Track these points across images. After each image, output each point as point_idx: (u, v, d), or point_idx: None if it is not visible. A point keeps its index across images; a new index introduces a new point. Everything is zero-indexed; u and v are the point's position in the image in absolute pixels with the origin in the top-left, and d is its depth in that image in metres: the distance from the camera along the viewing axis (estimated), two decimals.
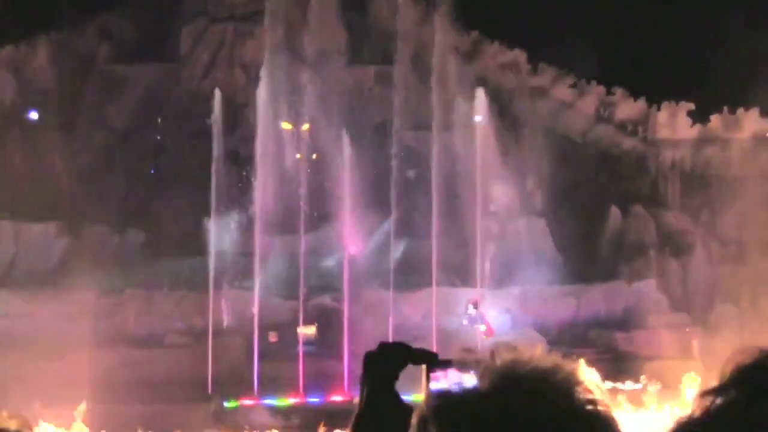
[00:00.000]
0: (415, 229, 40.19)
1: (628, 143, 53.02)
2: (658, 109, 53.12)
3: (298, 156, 41.43)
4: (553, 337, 38.78)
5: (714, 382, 1.99)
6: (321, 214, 42.07)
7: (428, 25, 46.66)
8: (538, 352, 2.03)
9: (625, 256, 46.85)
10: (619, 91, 54.42)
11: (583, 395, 1.97)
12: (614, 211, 48.71)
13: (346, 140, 41.62)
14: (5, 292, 39.56)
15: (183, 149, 48.14)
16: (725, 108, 52.46)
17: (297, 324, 36.90)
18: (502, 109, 49.34)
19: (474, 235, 40.00)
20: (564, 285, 43.04)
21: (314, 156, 41.62)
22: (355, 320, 35.96)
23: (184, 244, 44.29)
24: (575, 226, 47.48)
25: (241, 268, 40.36)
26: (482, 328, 36.99)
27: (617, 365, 34.04)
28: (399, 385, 3.00)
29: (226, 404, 32.20)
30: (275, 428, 30.33)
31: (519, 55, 54.93)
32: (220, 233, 40.60)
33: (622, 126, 53.59)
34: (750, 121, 52.25)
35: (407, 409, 2.72)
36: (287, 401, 32.84)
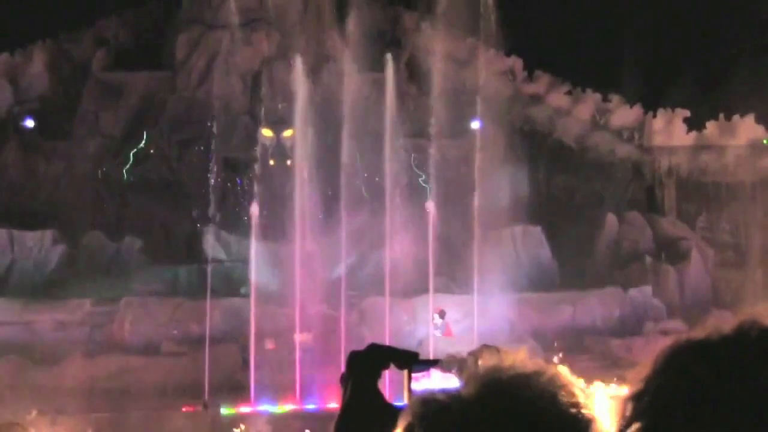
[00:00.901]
0: (411, 236, 40.19)
1: (623, 150, 53.11)
2: (654, 116, 53.22)
3: (271, 162, 41.31)
4: (548, 343, 38.77)
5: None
6: (318, 221, 42.09)
7: (424, 32, 46.76)
8: (520, 357, 2.04)
9: (621, 263, 46.91)
10: (615, 98, 54.52)
11: (567, 398, 1.99)
12: (610, 218, 48.76)
13: (344, 147, 41.71)
14: (1, 299, 39.53)
15: (178, 156, 48.19)
16: (721, 115, 52.57)
17: (293, 331, 36.90)
18: (497, 116, 49.41)
19: (470, 242, 40.02)
20: (560, 291, 43.07)
21: (288, 162, 41.45)
22: (351, 327, 35.98)
23: (180, 251, 44.35)
24: (571, 233, 47.55)
25: (237, 275, 40.39)
26: (448, 338, 36.73)
27: (613, 372, 34.00)
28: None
29: (222, 411, 32.18)
30: None
31: (515, 62, 55.05)
32: (216, 240, 40.64)
33: (618, 133, 53.68)
34: (746, 128, 52.35)
35: (390, 408, 2.73)
36: (284, 408, 32.84)
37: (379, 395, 2.94)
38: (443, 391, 2.01)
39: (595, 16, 57.41)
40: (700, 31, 57.80)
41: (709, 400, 1.86)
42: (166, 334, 38.07)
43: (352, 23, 44.75)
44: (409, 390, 2.87)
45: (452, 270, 39.86)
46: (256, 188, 39.17)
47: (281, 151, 44.23)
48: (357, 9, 45.64)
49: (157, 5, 56.29)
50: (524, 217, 45.92)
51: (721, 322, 2.03)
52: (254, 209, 39.02)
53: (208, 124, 47.29)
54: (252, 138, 45.19)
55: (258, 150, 41.56)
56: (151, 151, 48.41)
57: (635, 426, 1.92)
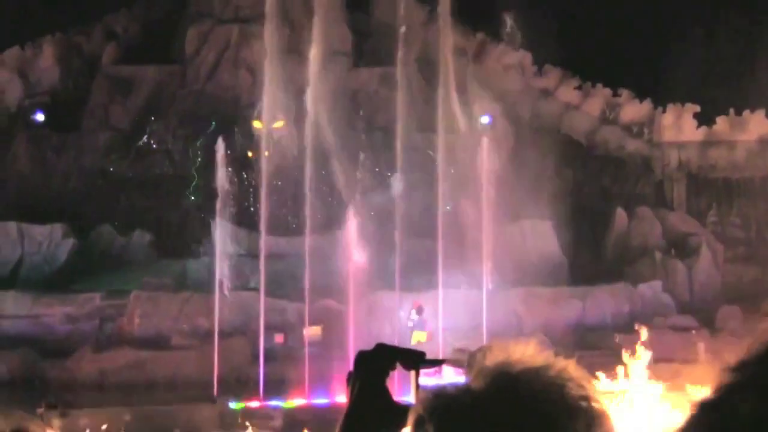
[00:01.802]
0: (420, 231, 40.20)
1: (633, 145, 53.05)
2: (664, 111, 53.14)
3: (265, 153, 41.15)
4: (558, 338, 38.75)
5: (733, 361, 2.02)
6: (327, 216, 42.11)
7: (433, 27, 46.75)
8: (530, 351, 2.03)
9: (631, 258, 46.85)
10: (624, 93, 54.44)
11: (576, 391, 1.98)
12: (620, 213, 48.71)
13: (353, 142, 41.77)
14: (11, 293, 39.64)
15: (183, 150, 48.23)
16: (731, 110, 52.47)
17: (302, 325, 36.93)
18: (507, 110, 49.42)
19: (479, 236, 39.98)
20: (569, 286, 43.04)
21: (266, 153, 41.20)
22: (360, 322, 35.98)
23: (189, 245, 44.41)
24: (580, 228, 47.51)
25: (246, 269, 40.42)
26: (422, 336, 36.47)
27: (622, 367, 33.96)
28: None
29: (231, 405, 32.21)
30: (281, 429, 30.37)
31: (524, 57, 55.00)
32: (225, 234, 40.64)
33: (627, 128, 53.62)
34: (756, 123, 52.25)
35: (397, 407, 2.73)
36: (293, 403, 32.86)
37: (387, 395, 2.93)
38: (453, 385, 2.00)
39: (606, 10, 57.29)
40: (711, 26, 57.67)
41: None
42: (175, 327, 38.15)
43: (361, 17, 44.78)
44: (417, 388, 2.87)
45: (461, 265, 39.81)
46: (264, 182, 39.15)
47: (285, 143, 44.21)
48: (366, 3, 45.69)
49: None
50: (533, 212, 45.89)
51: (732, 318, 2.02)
52: (263, 203, 39.03)
53: (216, 118, 47.38)
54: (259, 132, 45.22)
55: (263, 143, 41.51)
56: (154, 145, 48.44)
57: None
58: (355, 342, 34.57)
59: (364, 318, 36.43)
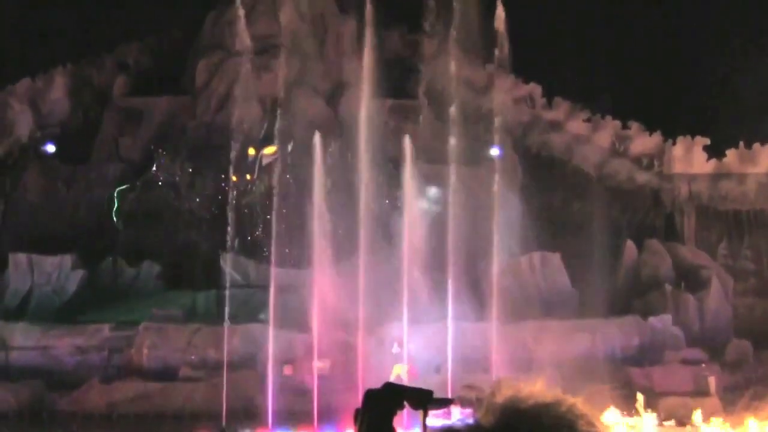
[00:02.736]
0: (429, 263, 40.09)
1: (643, 177, 52.94)
2: (674, 144, 53.05)
3: (248, 176, 41.07)
4: (567, 371, 38.54)
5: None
6: (336, 246, 42.05)
7: (443, 59, 46.78)
8: (538, 387, 2.00)
9: (641, 291, 46.63)
10: (634, 125, 54.36)
11: (586, 428, 1.95)
12: (630, 246, 48.52)
13: (364, 172, 41.66)
14: (21, 324, 39.58)
15: (190, 183, 48.21)
16: (741, 142, 52.39)
17: (311, 357, 36.79)
18: (516, 142, 49.39)
19: (489, 269, 39.86)
20: (579, 319, 42.82)
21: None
22: (369, 354, 35.84)
23: (198, 276, 44.34)
24: (590, 261, 47.32)
25: (255, 301, 40.33)
26: (403, 368, 36.21)
27: (632, 401, 33.77)
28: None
29: None
30: None
31: (534, 89, 55.03)
32: (235, 266, 40.61)
33: (637, 160, 53.51)
34: (766, 156, 52.16)
35: None
36: None
37: None
38: (462, 422, 1.97)
39: (615, 44, 57.39)
40: (722, 59, 57.67)
41: None
42: (184, 359, 38.03)
43: (370, 50, 44.83)
44: (425, 427, 2.84)
45: (470, 296, 39.67)
46: (273, 214, 39.14)
47: (292, 172, 44.22)
48: (375, 35, 45.73)
49: (178, 31, 56.60)
50: (543, 244, 45.74)
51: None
52: (272, 235, 38.99)
53: (226, 149, 47.42)
54: (269, 164, 45.23)
55: (276, 173, 41.53)
56: (161, 177, 48.40)
57: None
58: (363, 374, 34.44)
59: (373, 350, 36.29)
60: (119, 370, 38.02)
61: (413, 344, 37.86)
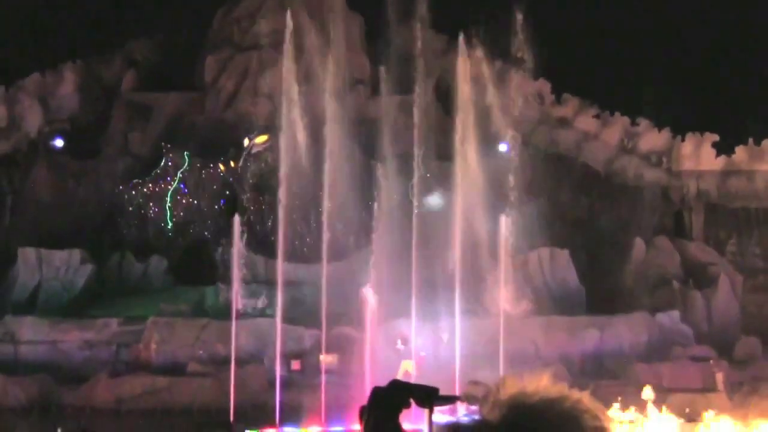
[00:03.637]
0: (437, 258, 40.08)
1: (651, 174, 52.83)
2: (683, 141, 52.94)
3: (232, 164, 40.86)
4: (575, 368, 38.58)
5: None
6: (346, 242, 42.09)
7: (452, 55, 46.75)
8: (544, 383, 2.02)
9: (649, 288, 46.59)
10: (643, 122, 54.26)
11: (592, 422, 1.97)
12: (638, 242, 48.47)
13: (374, 170, 41.68)
14: (30, 318, 39.70)
15: (206, 177, 48.28)
16: (750, 139, 52.28)
17: (319, 352, 36.83)
18: (525, 139, 49.31)
19: (497, 264, 39.85)
20: (587, 316, 42.82)
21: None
22: (376, 349, 35.85)
23: (206, 271, 44.40)
24: (598, 258, 47.30)
25: (263, 296, 40.38)
26: (409, 364, 36.14)
27: (640, 397, 33.74)
28: None
29: None
30: None
31: (543, 85, 54.95)
32: (242, 261, 40.63)
33: (645, 157, 53.41)
34: None
35: None
36: (309, 430, 32.75)
37: (400, 430, 2.93)
38: (468, 418, 1.99)
39: (625, 40, 57.30)
40: (731, 56, 57.58)
41: None
42: (192, 354, 38.10)
43: (380, 46, 44.83)
44: (431, 425, 2.86)
45: (478, 293, 39.68)
46: (281, 208, 39.13)
47: (299, 167, 44.24)
48: (386, 32, 45.71)
49: (187, 27, 56.62)
50: (551, 241, 45.72)
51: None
52: (280, 229, 39.00)
53: (235, 145, 47.46)
54: (276, 158, 45.24)
55: (282, 169, 41.52)
56: (170, 172, 48.43)
57: None
58: (372, 369, 34.46)
59: (381, 345, 36.31)
60: (127, 365, 38.11)
61: (421, 339, 37.90)
